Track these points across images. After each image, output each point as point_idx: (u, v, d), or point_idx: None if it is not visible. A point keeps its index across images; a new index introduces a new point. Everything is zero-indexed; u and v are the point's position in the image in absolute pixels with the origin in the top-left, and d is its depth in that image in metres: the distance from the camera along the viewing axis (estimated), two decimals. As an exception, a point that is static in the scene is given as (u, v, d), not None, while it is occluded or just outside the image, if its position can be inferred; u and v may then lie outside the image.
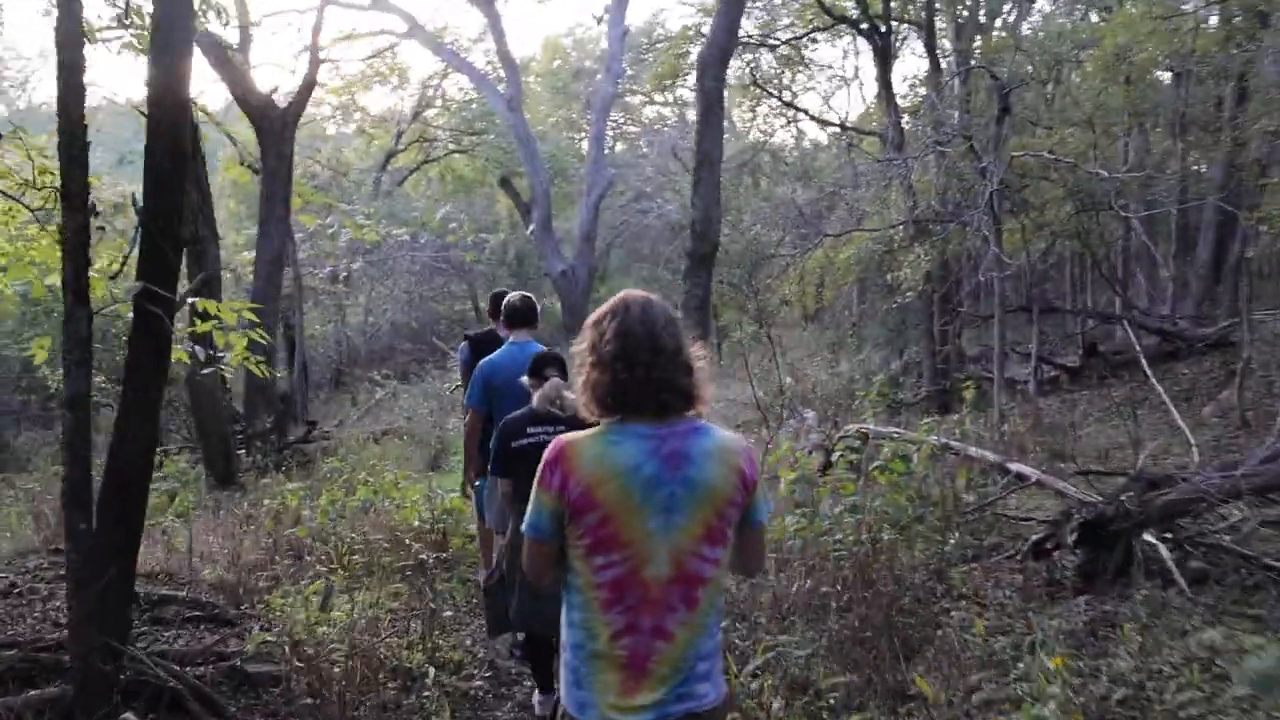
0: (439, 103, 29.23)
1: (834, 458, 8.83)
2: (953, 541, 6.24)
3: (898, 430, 9.26)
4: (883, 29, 14.27)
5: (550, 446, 2.28)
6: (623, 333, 2.27)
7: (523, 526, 2.31)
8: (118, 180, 23.99)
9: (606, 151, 29.13)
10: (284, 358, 17.78)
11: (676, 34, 25.37)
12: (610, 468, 2.20)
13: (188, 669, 4.98)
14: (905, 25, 16.22)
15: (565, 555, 2.29)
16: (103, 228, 4.52)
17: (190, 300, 4.51)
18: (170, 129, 4.21)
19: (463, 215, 22.67)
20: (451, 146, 29.94)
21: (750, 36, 19.21)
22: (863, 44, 24.24)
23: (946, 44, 17.20)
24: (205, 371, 9.77)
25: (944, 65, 15.38)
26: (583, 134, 33.07)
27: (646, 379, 2.23)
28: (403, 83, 28.53)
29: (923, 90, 16.90)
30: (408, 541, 6.96)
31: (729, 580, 6.12)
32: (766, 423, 9.35)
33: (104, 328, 12.84)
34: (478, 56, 27.75)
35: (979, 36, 16.86)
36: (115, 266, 4.22)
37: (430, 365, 20.89)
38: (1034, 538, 5.70)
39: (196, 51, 12.53)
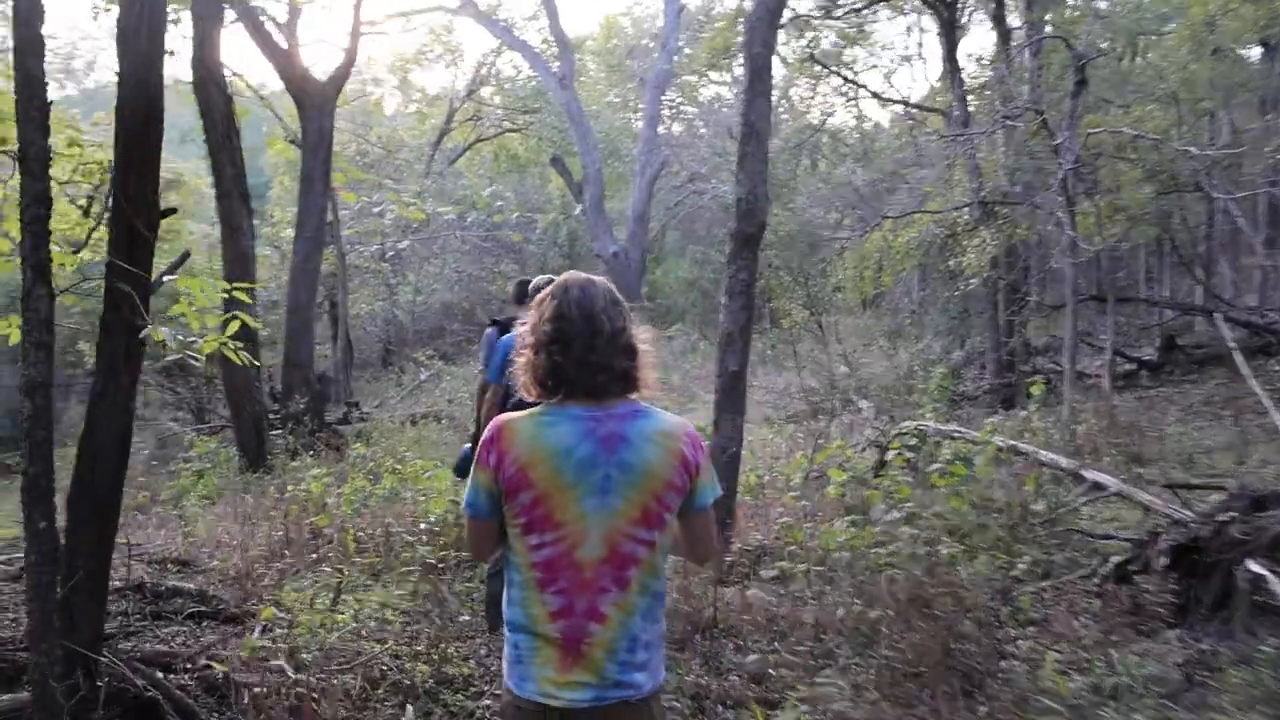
0: (493, 81, 28.81)
1: (889, 457, 8.27)
2: (1024, 561, 5.59)
3: (959, 429, 8.62)
4: None
5: (489, 425, 2.30)
6: (559, 315, 2.29)
7: (463, 504, 2.38)
8: (176, 159, 24.02)
9: (662, 131, 28.51)
10: (329, 335, 17.54)
11: (732, 9, 24.63)
12: (544, 448, 2.21)
13: (173, 676, 4.61)
14: (973, -3, 15.42)
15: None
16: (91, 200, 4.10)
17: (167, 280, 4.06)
18: (140, 84, 3.75)
19: (510, 194, 22.19)
20: (505, 125, 29.57)
21: (810, 12, 18.46)
22: (927, 20, 23.41)
23: (1015, 19, 16.30)
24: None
25: (1014, 39, 14.52)
26: (637, 113, 32.45)
27: (582, 361, 2.24)
28: (456, 60, 28.16)
29: (990, 66, 16.10)
30: (424, 539, 6.50)
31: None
32: (816, 415, 8.76)
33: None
34: (532, 35, 27.30)
35: (1052, 8, 16.00)
36: (83, 239, 3.76)
37: (477, 346, 20.55)
38: (1116, 559, 5.08)
39: (233, 19, 12.25)
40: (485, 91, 29.01)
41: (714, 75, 31.93)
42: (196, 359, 3.57)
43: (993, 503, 7.21)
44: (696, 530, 2.41)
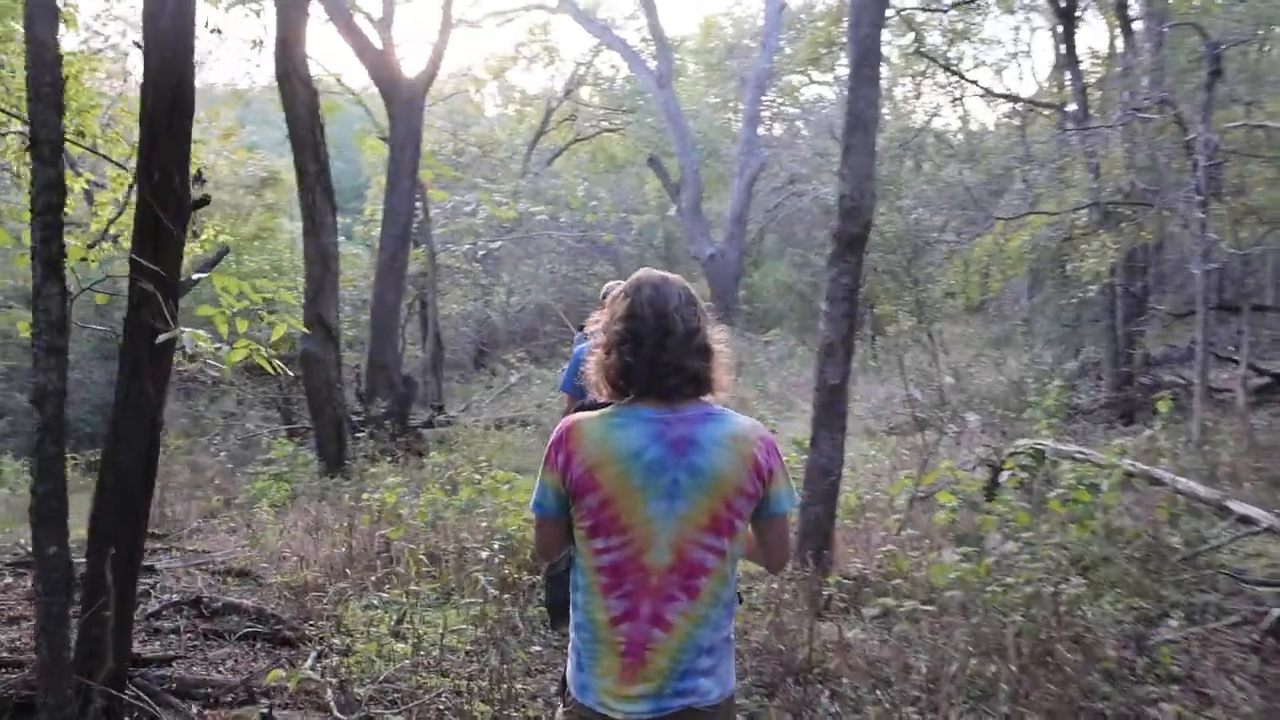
0: (590, 80, 28.52)
1: (1002, 478, 7.57)
2: (1161, 603, 4.88)
3: (1081, 449, 7.84)
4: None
5: (558, 426, 2.26)
6: (631, 314, 2.22)
7: (530, 503, 2.31)
8: (275, 156, 24.31)
9: (762, 132, 27.88)
10: (420, 336, 17.38)
11: (835, 5, 23.82)
12: (613, 450, 2.16)
13: (209, 711, 4.25)
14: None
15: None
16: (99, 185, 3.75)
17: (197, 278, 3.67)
18: (166, 62, 3.36)
19: (603, 194, 21.81)
20: (603, 125, 29.29)
21: (916, 6, 17.62)
22: (1036, 17, 22.27)
23: (1134, 9, 15.22)
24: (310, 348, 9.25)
25: (1134, 30, 13.48)
26: (737, 113, 31.83)
27: (654, 361, 2.19)
28: (554, 60, 27.93)
29: (1108, 60, 15.09)
30: (498, 557, 6.05)
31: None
32: (922, 431, 8.08)
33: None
34: (630, 34, 26.95)
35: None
36: (110, 232, 3.38)
37: (569, 349, 20.19)
38: (1277, 611, 4.34)
39: (323, 15, 12.09)
40: (583, 92, 28.75)
41: (816, 74, 31.10)
42: (219, 367, 3.16)
43: (1121, 534, 6.49)
44: (770, 538, 2.35)
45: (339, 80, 15.27)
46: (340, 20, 11.61)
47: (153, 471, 3.67)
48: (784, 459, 2.31)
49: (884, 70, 23.98)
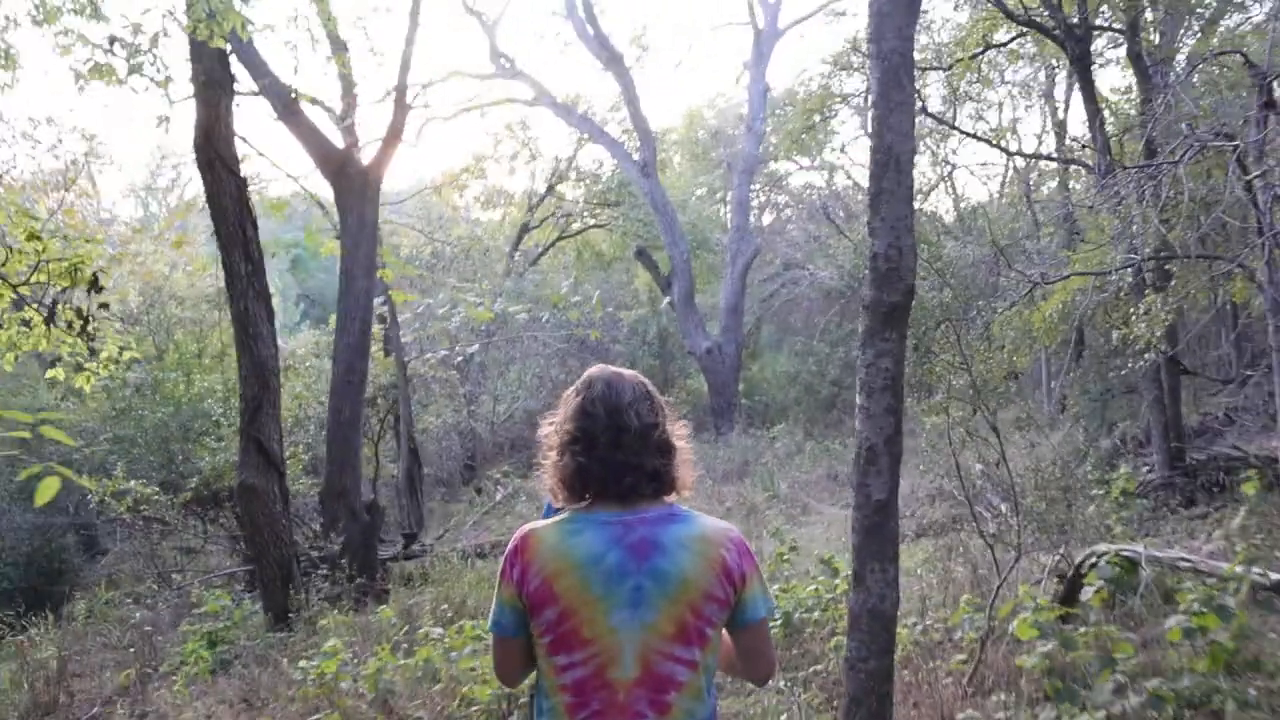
0: (572, 175, 27.68)
1: (1085, 595, 6.10)
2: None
3: (1186, 555, 6.37)
4: (1079, 30, 11.51)
5: (513, 535, 2.18)
6: (582, 411, 2.17)
7: (488, 623, 2.20)
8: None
9: (752, 222, 26.93)
10: (392, 452, 15.93)
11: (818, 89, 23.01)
12: (569, 558, 2.08)
13: None
14: (1103, 32, 13.41)
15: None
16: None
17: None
18: None
19: (587, 288, 20.67)
20: (589, 221, 28.38)
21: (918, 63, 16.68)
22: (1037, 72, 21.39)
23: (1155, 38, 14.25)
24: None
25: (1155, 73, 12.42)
26: (725, 202, 30.99)
27: (609, 461, 2.12)
28: (534, 156, 27.10)
29: (1129, 101, 14.06)
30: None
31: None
32: (989, 544, 6.62)
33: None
34: (612, 128, 26.15)
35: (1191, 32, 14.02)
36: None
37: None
38: None
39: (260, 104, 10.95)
40: (564, 188, 27.90)
41: (802, 160, 30.33)
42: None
43: (1261, 666, 5.04)
44: (748, 647, 2.21)
45: (275, 165, 14.17)
46: (282, 105, 10.42)
47: None
48: (757, 560, 2.19)
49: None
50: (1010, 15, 11.50)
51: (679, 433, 2.21)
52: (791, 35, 27.14)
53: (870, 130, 4.86)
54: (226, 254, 8.46)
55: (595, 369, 2.26)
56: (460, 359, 16.24)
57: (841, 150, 29.71)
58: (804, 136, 22.14)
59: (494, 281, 20.17)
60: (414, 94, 11.35)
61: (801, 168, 31.26)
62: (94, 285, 7.18)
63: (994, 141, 19.40)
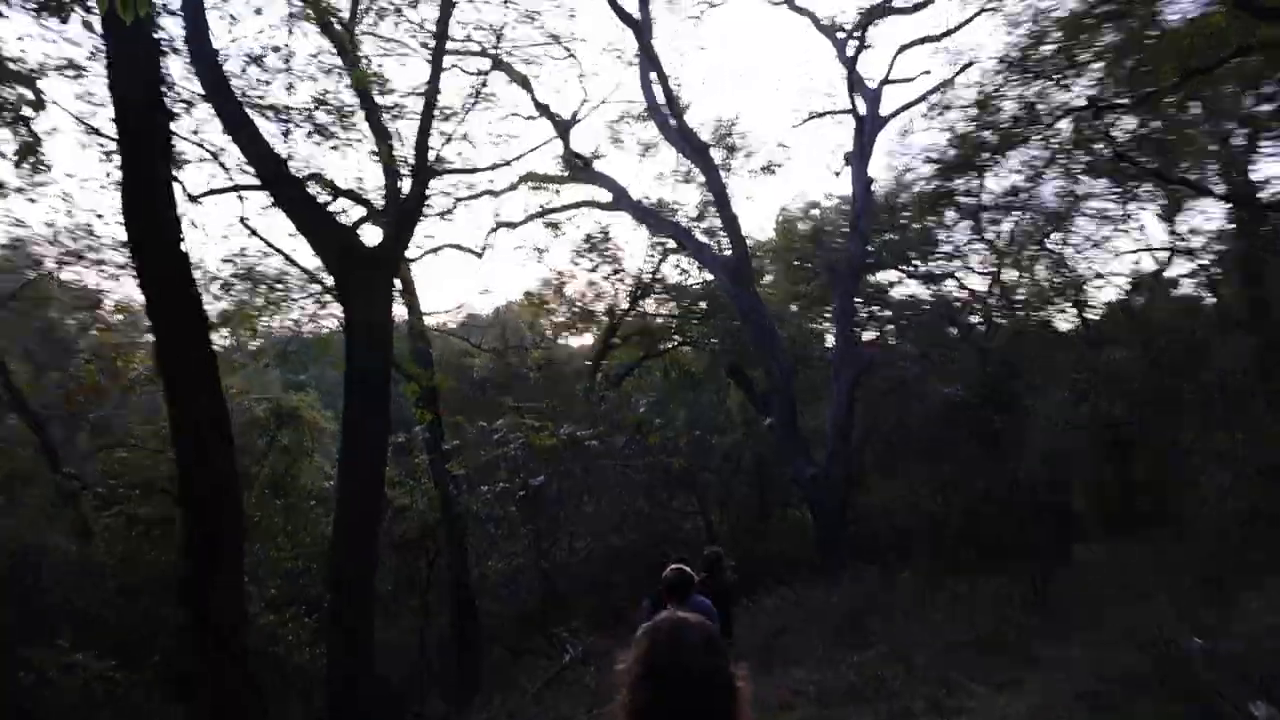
0: (657, 289, 25.57)
1: None
2: None
3: None
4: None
5: None
6: (649, 653, 2.26)
7: None
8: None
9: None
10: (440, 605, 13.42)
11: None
12: None
13: None
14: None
15: None
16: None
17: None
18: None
19: (674, 411, 18.14)
20: (676, 339, 26.16)
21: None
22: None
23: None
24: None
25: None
26: (826, 315, 28.36)
27: (674, 707, 2.18)
28: (618, 270, 25.13)
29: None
30: None
31: None
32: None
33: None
34: (699, 237, 24.11)
35: None
36: None
37: (647, 604, 15.89)
38: None
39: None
40: (649, 303, 25.82)
41: (908, 266, 27.76)
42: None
43: None
44: None
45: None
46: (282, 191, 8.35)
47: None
48: None
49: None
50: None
51: (740, 675, 2.25)
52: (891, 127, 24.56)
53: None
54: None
55: (661, 616, 2.34)
56: (522, 493, 13.77)
57: (949, 257, 26.99)
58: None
59: (565, 403, 17.85)
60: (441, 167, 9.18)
61: (907, 275, 28.61)
62: None
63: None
